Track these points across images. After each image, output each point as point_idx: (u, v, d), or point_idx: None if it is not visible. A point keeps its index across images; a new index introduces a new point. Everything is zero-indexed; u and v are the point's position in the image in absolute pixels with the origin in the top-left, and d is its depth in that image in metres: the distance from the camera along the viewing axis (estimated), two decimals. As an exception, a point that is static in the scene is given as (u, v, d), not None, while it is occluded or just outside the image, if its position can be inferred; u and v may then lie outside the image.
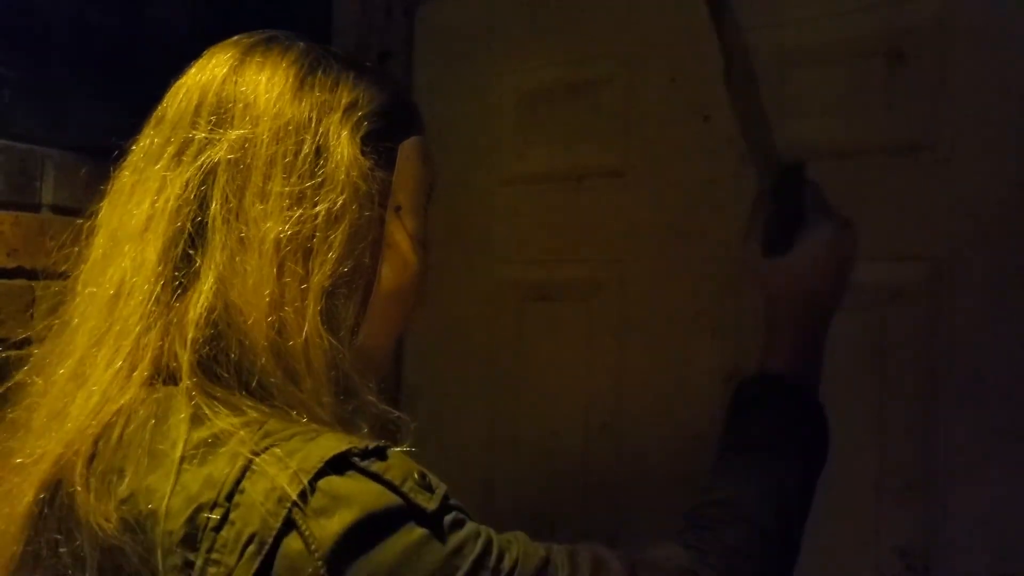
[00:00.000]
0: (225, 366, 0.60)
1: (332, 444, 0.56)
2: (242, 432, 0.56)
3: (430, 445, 0.65)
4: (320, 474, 0.54)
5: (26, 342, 1.15)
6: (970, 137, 0.93)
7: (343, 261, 0.64)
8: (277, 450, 0.55)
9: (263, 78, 0.66)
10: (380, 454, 0.57)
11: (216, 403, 0.58)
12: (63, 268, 0.69)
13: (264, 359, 0.60)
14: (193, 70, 0.69)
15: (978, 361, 0.92)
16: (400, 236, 0.69)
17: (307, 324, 0.61)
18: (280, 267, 0.61)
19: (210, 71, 0.67)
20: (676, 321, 1.14)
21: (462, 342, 1.35)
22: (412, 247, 0.70)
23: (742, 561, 0.72)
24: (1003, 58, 0.92)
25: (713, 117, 1.12)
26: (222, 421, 0.57)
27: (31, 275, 1.17)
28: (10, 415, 0.67)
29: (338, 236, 0.63)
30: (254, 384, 0.60)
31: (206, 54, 0.70)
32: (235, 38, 0.71)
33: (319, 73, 0.67)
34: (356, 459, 0.55)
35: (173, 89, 0.69)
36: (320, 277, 0.62)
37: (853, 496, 0.97)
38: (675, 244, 1.15)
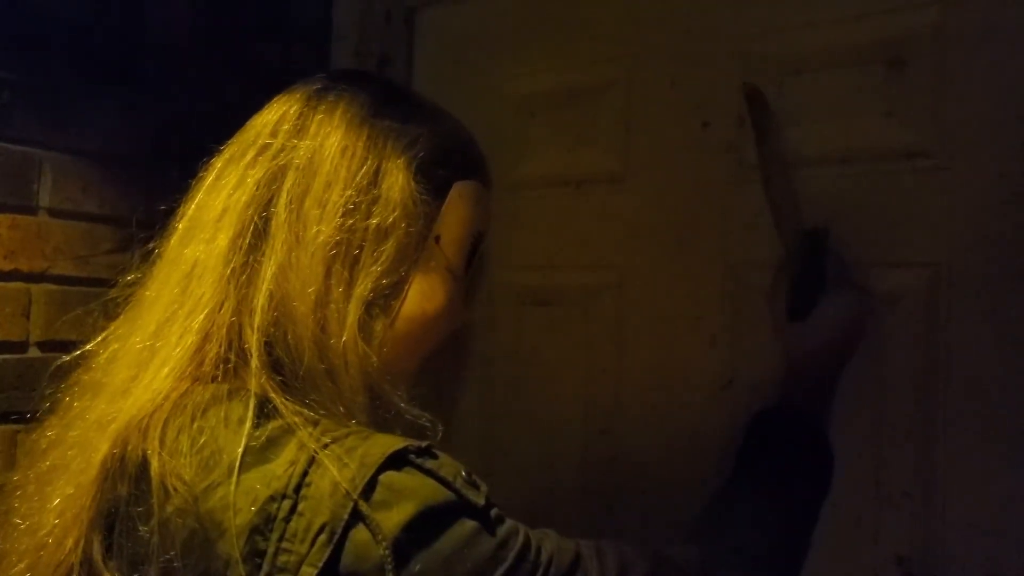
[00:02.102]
0: (283, 350, 0.65)
1: (389, 442, 0.60)
2: (305, 427, 0.60)
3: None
4: (381, 469, 0.58)
5: (23, 345, 1.15)
6: (968, 143, 0.94)
7: (387, 275, 0.68)
8: (337, 447, 0.59)
9: (342, 101, 0.72)
10: (431, 453, 0.61)
11: (280, 392, 0.63)
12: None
13: (309, 351, 0.64)
14: (285, 91, 0.75)
15: (977, 368, 0.92)
16: (434, 264, 0.73)
17: (347, 328, 0.65)
18: (328, 269, 0.66)
19: (298, 91, 0.74)
20: (675, 327, 1.14)
21: (460, 347, 1.35)
22: (444, 278, 0.73)
23: (754, 564, 0.79)
24: (1001, 65, 0.92)
25: (712, 122, 1.12)
26: (287, 412, 0.61)
27: (27, 278, 1.17)
28: (84, 378, 0.72)
29: (386, 251, 0.68)
30: (301, 373, 0.64)
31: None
32: (330, 70, 0.76)
33: (394, 106, 0.73)
34: (412, 456, 0.59)
35: (265, 106, 0.74)
36: (362, 288, 0.67)
37: (852, 502, 0.97)
38: (674, 249, 1.15)
